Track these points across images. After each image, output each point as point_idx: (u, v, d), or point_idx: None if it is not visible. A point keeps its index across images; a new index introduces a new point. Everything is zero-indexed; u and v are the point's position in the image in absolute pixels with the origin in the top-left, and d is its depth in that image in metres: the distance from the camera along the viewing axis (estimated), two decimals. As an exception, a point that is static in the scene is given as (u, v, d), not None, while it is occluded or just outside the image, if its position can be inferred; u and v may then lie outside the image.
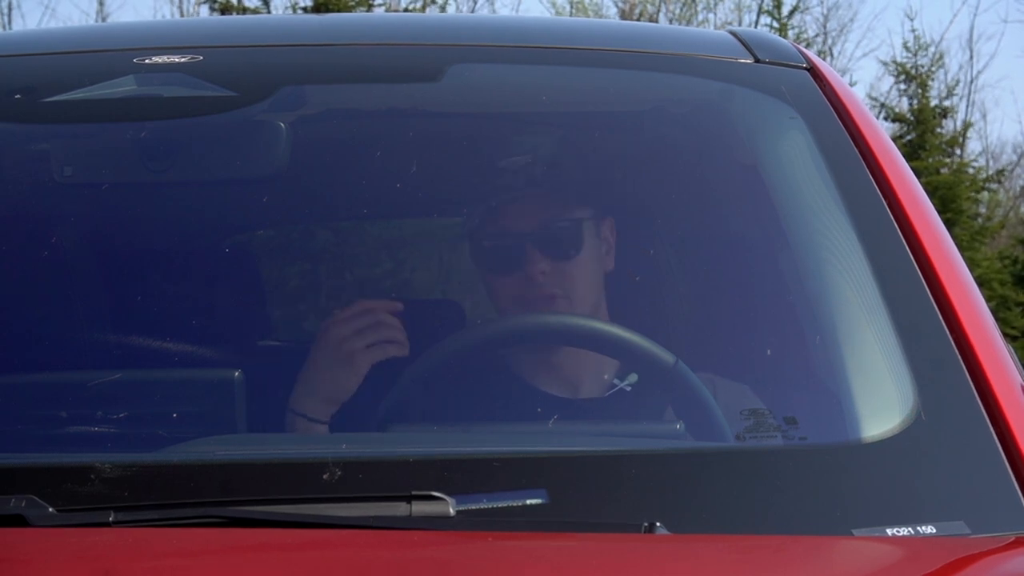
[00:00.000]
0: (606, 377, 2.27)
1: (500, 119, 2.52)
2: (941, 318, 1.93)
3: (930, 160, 21.04)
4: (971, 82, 26.70)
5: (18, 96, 2.35)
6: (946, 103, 22.63)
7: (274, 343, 2.59)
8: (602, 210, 2.42)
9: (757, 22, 25.15)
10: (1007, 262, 21.42)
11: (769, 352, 2.11)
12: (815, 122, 2.24)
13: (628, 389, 2.21)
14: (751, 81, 2.37)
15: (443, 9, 22.96)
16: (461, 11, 24.55)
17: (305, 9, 20.83)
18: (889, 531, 1.71)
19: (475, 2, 25.39)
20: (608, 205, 2.45)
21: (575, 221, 2.39)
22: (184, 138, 2.38)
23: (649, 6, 25.93)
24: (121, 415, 2.03)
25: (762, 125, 2.37)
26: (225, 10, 20.63)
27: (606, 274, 2.41)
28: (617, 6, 25.91)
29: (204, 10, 23.10)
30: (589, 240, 2.40)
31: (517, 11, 28.44)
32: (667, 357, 2.11)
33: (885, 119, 21.83)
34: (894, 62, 22.55)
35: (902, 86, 22.38)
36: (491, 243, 2.42)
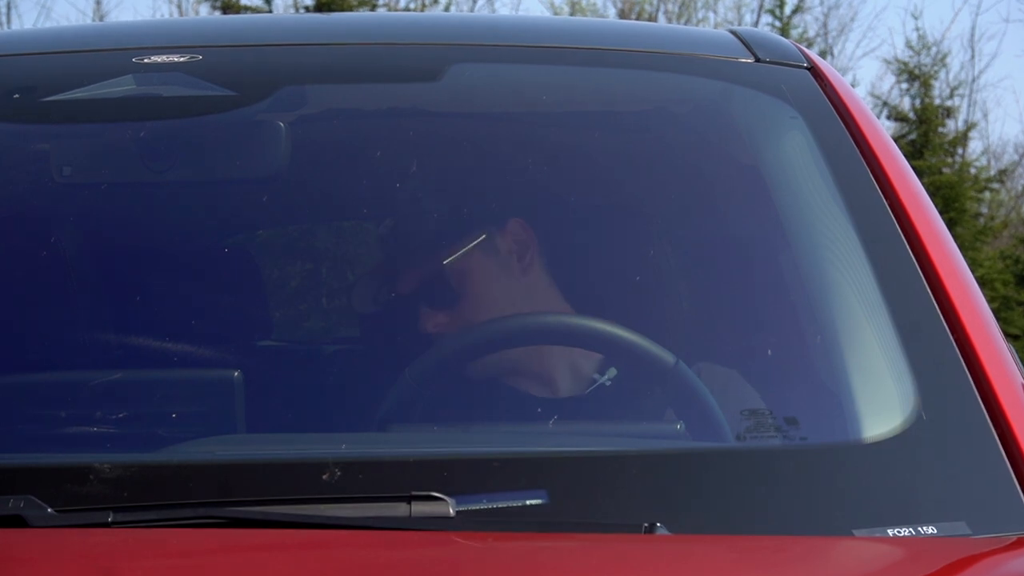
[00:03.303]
0: (584, 372, 2.26)
1: (500, 119, 2.52)
2: (942, 318, 1.92)
3: (933, 160, 21.04)
4: (973, 81, 26.70)
5: (16, 96, 2.35)
6: (949, 103, 22.64)
7: (274, 343, 2.59)
8: (495, 220, 2.35)
9: (758, 21, 25.16)
10: (1009, 262, 21.42)
11: (770, 352, 2.11)
12: (816, 122, 2.24)
13: (608, 384, 2.20)
14: (751, 81, 2.37)
15: (447, 9, 22.97)
16: (461, 11, 24.54)
17: (306, 8, 20.84)
18: (890, 531, 1.71)
19: (475, 2, 25.40)
20: (508, 209, 2.37)
21: (443, 266, 2.32)
22: (184, 138, 2.37)
23: (647, 6, 25.93)
24: (120, 415, 2.03)
25: (763, 125, 2.37)
26: (225, 9, 20.63)
27: (534, 271, 2.35)
28: (616, 6, 25.91)
29: (204, 9, 23.11)
30: (477, 266, 2.33)
31: (517, 11, 28.43)
32: (667, 357, 2.11)
33: (888, 118, 21.84)
34: (897, 61, 22.56)
35: (904, 85, 22.39)
36: (383, 313, 2.40)
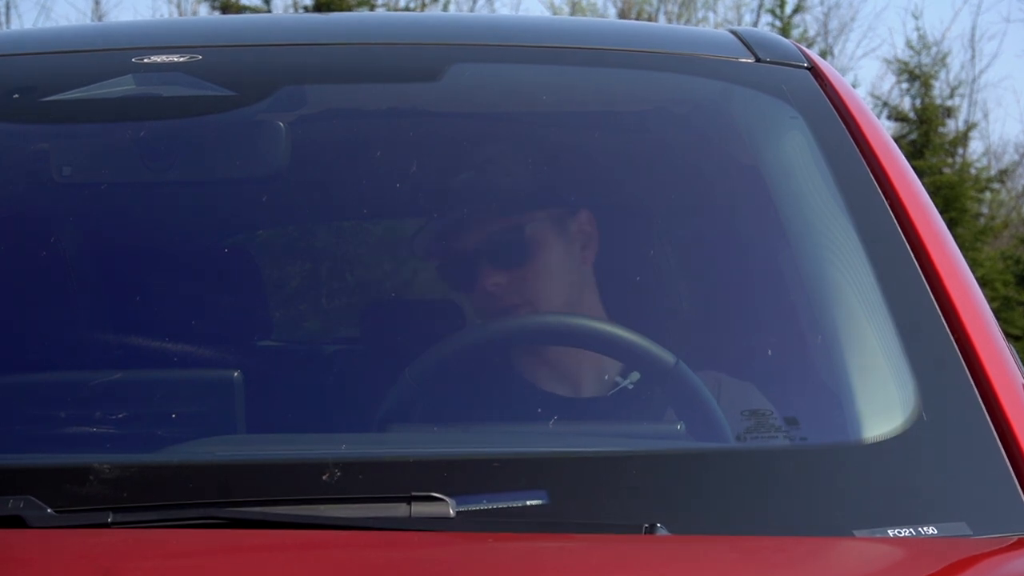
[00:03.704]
0: (607, 376, 2.27)
1: (500, 119, 2.52)
2: (943, 318, 1.92)
3: (933, 160, 21.04)
4: (973, 81, 26.69)
5: (16, 96, 2.35)
6: (949, 103, 22.63)
7: (274, 343, 2.59)
8: (571, 204, 2.39)
9: (758, 21, 25.15)
10: (1010, 262, 21.42)
11: (770, 352, 2.11)
12: (816, 122, 2.24)
13: (631, 387, 2.20)
14: (752, 81, 2.37)
15: (447, 9, 22.97)
16: (461, 10, 24.55)
17: (306, 8, 20.83)
18: (890, 532, 1.71)
19: (475, 2, 25.40)
20: (581, 198, 2.42)
21: (518, 227, 2.36)
22: (184, 138, 2.37)
23: (647, 6, 25.93)
24: (120, 415, 2.02)
25: (763, 125, 2.37)
26: (225, 9, 20.63)
27: (589, 266, 2.38)
28: (616, 6, 25.91)
29: (203, 9, 23.10)
30: (548, 240, 2.37)
31: (517, 11, 28.43)
32: (667, 357, 2.10)
33: (888, 118, 21.83)
34: (898, 60, 22.55)
35: (904, 85, 22.39)
36: (441, 263, 2.42)
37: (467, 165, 2.43)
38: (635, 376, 2.20)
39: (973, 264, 19.48)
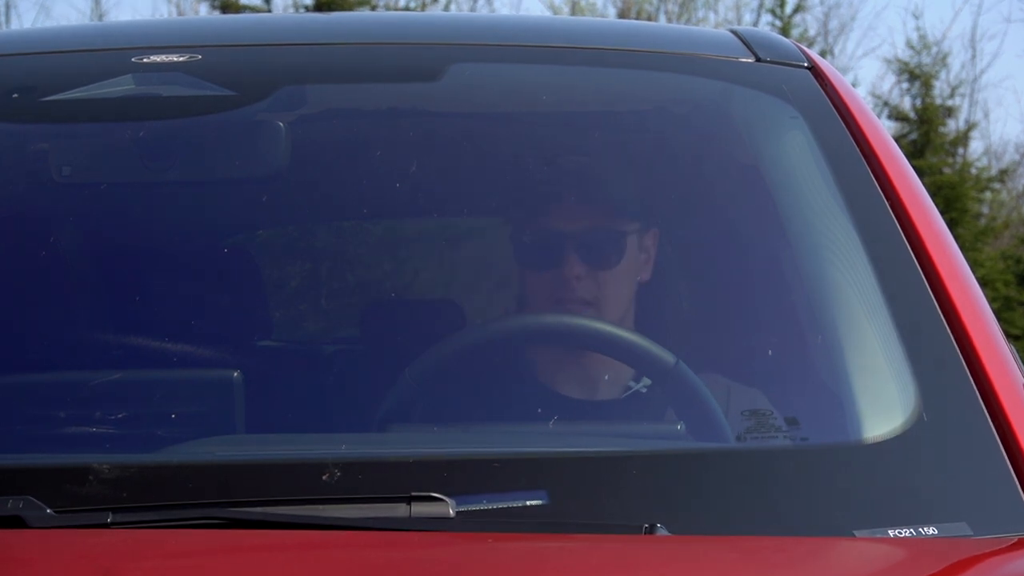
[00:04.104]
0: (622, 379, 2.27)
1: (500, 119, 2.52)
2: (943, 318, 1.92)
3: (934, 160, 21.04)
4: (974, 81, 26.68)
5: (16, 95, 2.35)
6: (949, 103, 22.63)
7: (274, 343, 2.58)
8: (649, 221, 2.40)
9: (758, 21, 25.15)
10: (1010, 262, 21.42)
11: (770, 352, 2.11)
12: (817, 121, 2.24)
13: (644, 391, 2.20)
14: (752, 80, 2.37)
15: (447, 9, 22.97)
16: (461, 10, 24.55)
17: (306, 8, 20.83)
18: (891, 532, 1.71)
19: (475, 1, 25.40)
20: (655, 216, 2.43)
21: (620, 232, 2.38)
22: (184, 138, 2.37)
23: (647, 5, 25.93)
24: (120, 415, 2.02)
25: (763, 125, 2.37)
26: (225, 9, 20.63)
27: (641, 284, 2.39)
28: (616, 6, 25.91)
29: (203, 9, 23.10)
30: (631, 251, 2.38)
31: (517, 11, 28.43)
32: (667, 357, 2.10)
33: (889, 118, 21.83)
34: (898, 60, 22.55)
35: (905, 85, 22.39)
36: (531, 239, 2.41)
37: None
38: (647, 380, 2.20)
39: (974, 264, 19.48)
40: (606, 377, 2.27)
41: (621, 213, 2.40)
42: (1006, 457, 1.78)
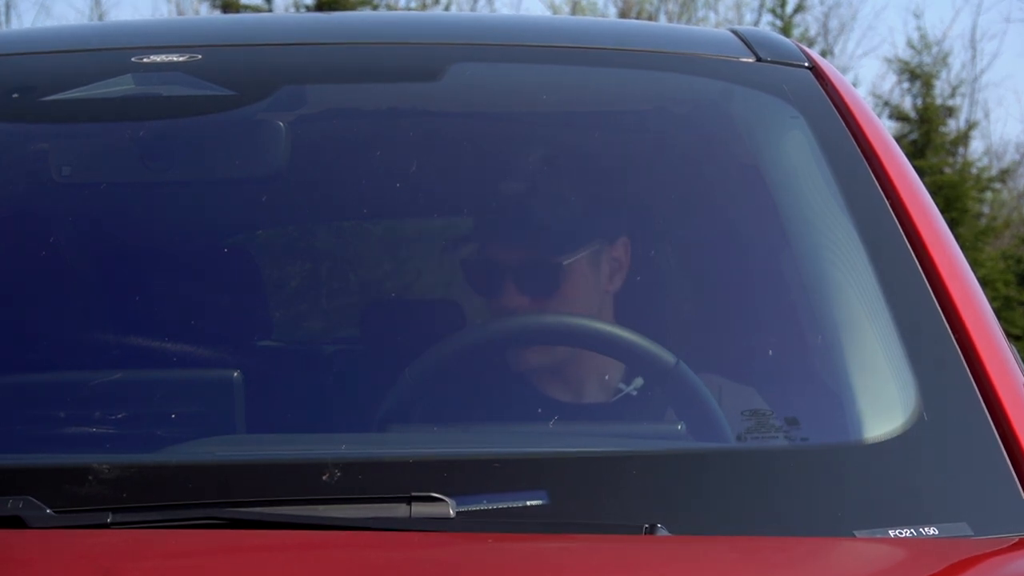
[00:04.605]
0: (608, 380, 2.27)
1: (500, 119, 2.51)
2: (944, 318, 1.92)
3: (934, 159, 21.04)
4: (974, 81, 26.68)
5: (16, 95, 2.35)
6: (950, 102, 22.63)
7: (274, 343, 2.58)
8: (612, 233, 2.37)
9: (759, 20, 25.15)
10: (1011, 262, 21.42)
11: (771, 352, 2.11)
12: (817, 121, 2.24)
13: (634, 394, 2.20)
14: (753, 80, 2.37)
15: (447, 9, 22.97)
16: (462, 10, 24.55)
17: (306, 8, 20.83)
18: (891, 532, 1.71)
19: (475, 1, 25.40)
20: (623, 225, 2.40)
21: (555, 265, 2.34)
22: (184, 138, 2.37)
23: (648, 5, 25.93)
24: (119, 415, 2.02)
25: (764, 124, 2.37)
26: (225, 9, 20.63)
27: (611, 294, 2.37)
28: (616, 5, 25.91)
29: (204, 9, 23.10)
30: (578, 274, 2.34)
31: (517, 11, 28.43)
32: (668, 357, 2.10)
33: (889, 118, 21.83)
34: (898, 60, 22.55)
35: (905, 85, 22.39)
36: (469, 266, 2.41)
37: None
38: (639, 382, 2.20)
39: (974, 264, 19.48)
40: (606, 377, 2.27)
41: (567, 239, 2.35)
42: (1007, 457, 1.78)
